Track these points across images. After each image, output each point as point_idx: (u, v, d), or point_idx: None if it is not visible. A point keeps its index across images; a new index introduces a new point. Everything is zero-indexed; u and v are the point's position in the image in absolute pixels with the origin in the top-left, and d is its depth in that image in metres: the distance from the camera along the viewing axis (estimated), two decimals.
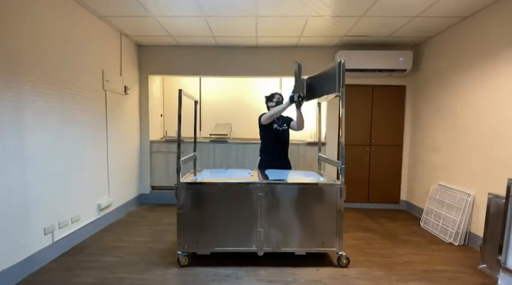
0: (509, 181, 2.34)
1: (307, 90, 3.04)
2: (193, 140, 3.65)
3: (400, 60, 4.19)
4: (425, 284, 2.42)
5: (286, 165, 3.41)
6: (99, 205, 3.51)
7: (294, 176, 3.14)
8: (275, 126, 3.32)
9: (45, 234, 2.66)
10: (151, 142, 4.77)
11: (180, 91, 2.67)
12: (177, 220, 2.62)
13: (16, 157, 2.34)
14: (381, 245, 3.23)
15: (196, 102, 3.51)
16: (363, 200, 4.69)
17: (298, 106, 3.05)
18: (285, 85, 5.02)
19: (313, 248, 2.69)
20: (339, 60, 2.59)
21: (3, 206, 2.24)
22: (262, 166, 3.37)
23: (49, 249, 2.71)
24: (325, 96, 3.28)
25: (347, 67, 2.71)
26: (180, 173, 2.65)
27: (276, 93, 3.37)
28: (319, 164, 3.66)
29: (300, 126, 3.22)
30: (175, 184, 2.61)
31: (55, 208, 2.79)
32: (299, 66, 2.92)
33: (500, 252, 2.37)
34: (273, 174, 3.01)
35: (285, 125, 3.35)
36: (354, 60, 4.14)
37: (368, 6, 3.10)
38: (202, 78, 5.19)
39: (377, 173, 4.65)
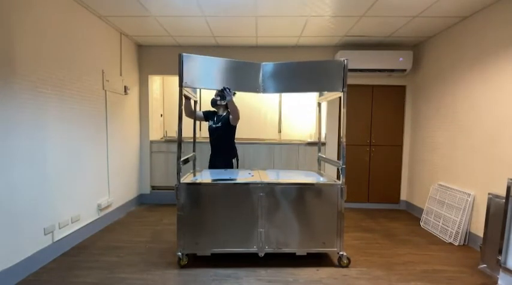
0: (509, 181, 2.34)
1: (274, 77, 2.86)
2: (192, 140, 3.65)
3: (400, 60, 4.19)
4: (425, 284, 2.42)
5: (223, 162, 3.41)
6: (99, 205, 3.51)
7: (294, 177, 3.14)
8: (210, 122, 3.45)
9: (45, 234, 2.66)
10: (151, 142, 4.77)
11: (180, 90, 2.62)
12: (177, 220, 2.61)
13: (16, 157, 2.34)
14: (380, 245, 3.23)
15: (195, 102, 3.51)
16: (363, 200, 4.69)
17: (223, 99, 3.17)
18: None
19: (314, 248, 2.69)
20: (341, 60, 2.60)
21: (3, 206, 2.23)
22: (210, 163, 3.51)
23: (49, 249, 2.71)
24: (326, 96, 3.30)
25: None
26: (180, 174, 2.64)
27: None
28: (319, 164, 3.66)
29: (232, 119, 3.25)
30: (176, 185, 2.61)
31: (55, 208, 2.79)
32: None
33: (500, 252, 2.37)
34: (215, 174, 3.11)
35: (219, 123, 3.36)
36: (354, 60, 4.13)
37: (368, 6, 3.10)
38: None
39: (377, 173, 4.65)
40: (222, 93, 2.99)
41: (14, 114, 2.31)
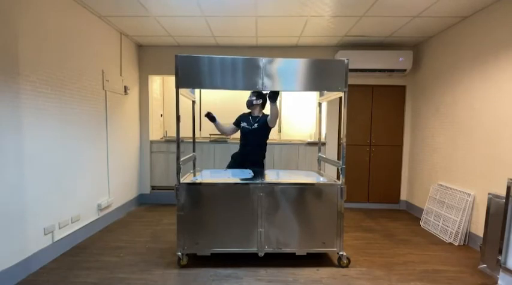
0: (509, 181, 2.34)
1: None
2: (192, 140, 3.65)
3: (400, 60, 4.19)
4: (425, 284, 2.42)
5: (256, 162, 3.38)
6: (99, 205, 3.51)
7: (294, 177, 3.14)
8: (243, 124, 3.34)
9: (45, 234, 2.66)
10: (151, 142, 4.77)
11: (177, 92, 2.57)
12: (177, 220, 2.61)
13: (16, 157, 2.34)
14: (380, 245, 3.23)
15: (193, 102, 3.51)
16: (363, 200, 4.69)
17: (273, 101, 3.00)
18: None
19: (313, 248, 2.69)
20: (343, 60, 2.60)
21: (3, 206, 2.23)
22: (230, 165, 3.43)
23: (49, 249, 2.71)
24: (327, 95, 3.30)
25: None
26: (180, 174, 2.64)
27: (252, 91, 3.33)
28: (319, 164, 3.66)
29: (271, 121, 3.20)
30: (175, 185, 2.61)
31: (55, 208, 2.79)
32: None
33: (500, 252, 2.37)
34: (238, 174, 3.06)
35: (256, 125, 3.30)
36: (354, 60, 4.12)
37: (368, 6, 3.10)
38: None
39: (377, 173, 4.65)
40: (273, 96, 2.94)
41: (14, 114, 2.31)
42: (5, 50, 2.24)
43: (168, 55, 4.60)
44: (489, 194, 2.70)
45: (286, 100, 5.10)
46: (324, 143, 4.63)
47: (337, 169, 3.17)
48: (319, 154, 3.61)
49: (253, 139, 3.34)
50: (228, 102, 5.22)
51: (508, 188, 2.35)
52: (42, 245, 2.62)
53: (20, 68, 2.36)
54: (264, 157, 3.48)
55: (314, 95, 4.81)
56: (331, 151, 4.65)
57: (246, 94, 5.16)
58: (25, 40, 2.42)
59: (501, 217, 2.40)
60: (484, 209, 2.82)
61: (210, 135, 4.76)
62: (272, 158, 4.69)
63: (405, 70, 4.27)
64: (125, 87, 4.13)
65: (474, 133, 3.20)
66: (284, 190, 2.67)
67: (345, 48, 4.40)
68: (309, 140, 4.74)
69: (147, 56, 4.67)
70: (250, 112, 3.44)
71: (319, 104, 3.86)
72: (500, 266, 2.37)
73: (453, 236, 3.28)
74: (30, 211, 2.48)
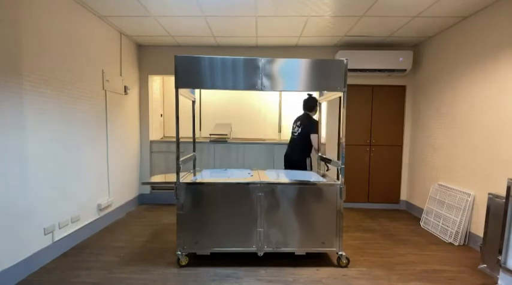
0: (509, 181, 2.34)
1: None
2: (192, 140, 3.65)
3: (400, 60, 4.19)
4: (425, 284, 2.42)
5: None
6: (99, 205, 3.51)
7: (294, 176, 3.14)
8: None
9: (45, 234, 2.66)
10: (151, 142, 4.77)
11: (176, 92, 2.57)
12: (177, 220, 2.62)
13: (16, 157, 2.34)
14: (380, 245, 3.23)
15: (193, 102, 3.51)
16: (363, 200, 4.69)
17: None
18: None
19: (313, 248, 2.69)
20: (342, 60, 2.60)
21: (3, 206, 2.24)
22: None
23: (49, 249, 2.71)
24: (326, 95, 3.30)
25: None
26: (180, 174, 2.64)
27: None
28: (319, 164, 3.66)
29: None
30: (175, 185, 2.61)
31: (55, 208, 2.79)
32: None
33: (500, 252, 2.37)
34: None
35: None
36: (354, 60, 4.13)
37: (368, 6, 3.10)
38: None
39: (377, 173, 4.65)
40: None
41: (14, 114, 2.31)
42: (5, 50, 2.24)
43: (168, 55, 4.61)
44: (489, 194, 2.70)
45: (286, 100, 5.10)
46: (323, 144, 4.63)
47: (337, 169, 3.18)
48: (319, 154, 3.61)
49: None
50: (228, 102, 5.23)
51: (508, 188, 2.34)
52: (42, 245, 2.63)
53: (20, 68, 2.37)
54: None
55: (314, 95, 4.81)
56: (331, 151, 4.64)
57: (246, 94, 5.18)
58: (25, 40, 2.42)
59: (501, 217, 2.40)
60: (484, 209, 2.82)
61: (210, 134, 4.76)
62: (272, 158, 4.69)
63: (405, 70, 4.27)
64: (125, 87, 4.13)
65: (474, 133, 3.20)
66: (284, 190, 2.67)
67: (345, 48, 4.40)
68: None
69: (147, 56, 4.67)
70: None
71: (319, 104, 3.85)
72: (500, 266, 2.37)
73: (453, 236, 3.27)
74: (30, 211, 2.48)
